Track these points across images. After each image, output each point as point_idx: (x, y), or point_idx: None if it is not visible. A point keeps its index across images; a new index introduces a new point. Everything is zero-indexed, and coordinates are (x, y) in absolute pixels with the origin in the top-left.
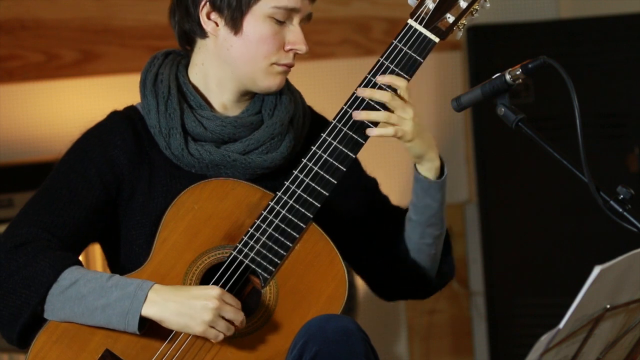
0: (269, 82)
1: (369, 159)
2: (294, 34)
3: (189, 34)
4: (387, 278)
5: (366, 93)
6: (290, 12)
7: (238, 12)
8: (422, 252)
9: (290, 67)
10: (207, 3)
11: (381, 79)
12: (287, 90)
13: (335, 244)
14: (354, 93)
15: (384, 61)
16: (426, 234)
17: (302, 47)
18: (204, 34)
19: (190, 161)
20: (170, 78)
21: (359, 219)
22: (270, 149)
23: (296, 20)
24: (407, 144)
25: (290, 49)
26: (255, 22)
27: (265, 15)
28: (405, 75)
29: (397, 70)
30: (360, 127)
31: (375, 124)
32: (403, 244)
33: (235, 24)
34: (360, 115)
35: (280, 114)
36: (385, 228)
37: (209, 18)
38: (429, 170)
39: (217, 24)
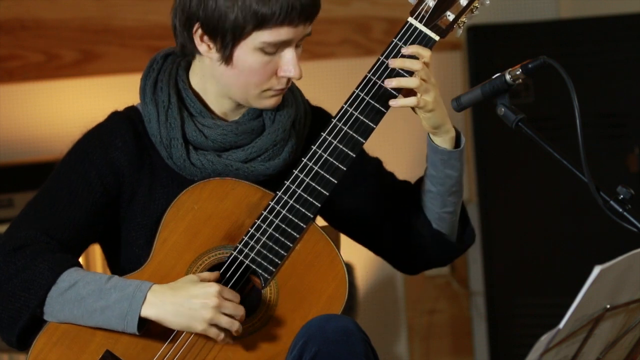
0: (263, 104)
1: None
2: (286, 60)
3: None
4: (409, 253)
5: (397, 63)
6: (283, 43)
7: (228, 42)
8: (444, 221)
9: (285, 89)
10: (200, 27)
11: (406, 50)
12: (288, 91)
13: (350, 234)
14: (354, 92)
15: (385, 60)
16: (448, 203)
17: (294, 74)
18: (199, 52)
19: (192, 171)
20: (170, 84)
21: (370, 206)
22: (273, 156)
23: (290, 47)
24: (427, 114)
25: (283, 75)
26: (245, 54)
27: (256, 48)
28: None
29: (397, 69)
30: (361, 126)
31: (397, 93)
32: (422, 216)
33: (225, 53)
34: (392, 82)
35: (282, 118)
36: (397, 206)
37: (202, 40)
38: (445, 141)
39: (209, 47)
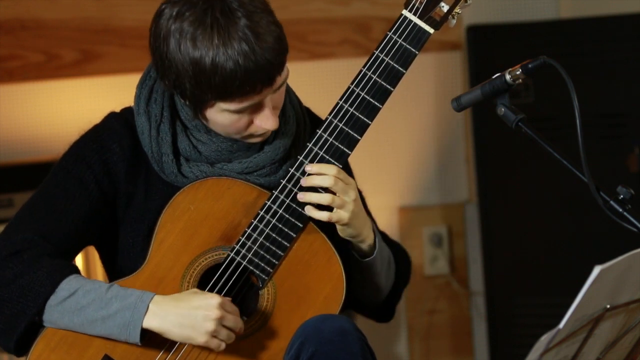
0: (249, 142)
1: (366, 159)
2: (259, 115)
3: None
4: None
5: (307, 182)
6: (249, 106)
7: (194, 107)
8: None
9: (268, 132)
10: (169, 85)
11: (310, 168)
12: (289, 105)
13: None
14: (349, 87)
15: (379, 54)
16: (372, 285)
17: (269, 127)
18: None
19: (184, 183)
20: (166, 95)
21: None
22: (269, 173)
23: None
24: (341, 226)
25: (259, 126)
26: (214, 115)
27: (223, 111)
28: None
29: (392, 63)
30: (356, 123)
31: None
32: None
33: (196, 113)
34: (303, 197)
35: (284, 137)
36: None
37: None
38: (360, 248)
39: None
